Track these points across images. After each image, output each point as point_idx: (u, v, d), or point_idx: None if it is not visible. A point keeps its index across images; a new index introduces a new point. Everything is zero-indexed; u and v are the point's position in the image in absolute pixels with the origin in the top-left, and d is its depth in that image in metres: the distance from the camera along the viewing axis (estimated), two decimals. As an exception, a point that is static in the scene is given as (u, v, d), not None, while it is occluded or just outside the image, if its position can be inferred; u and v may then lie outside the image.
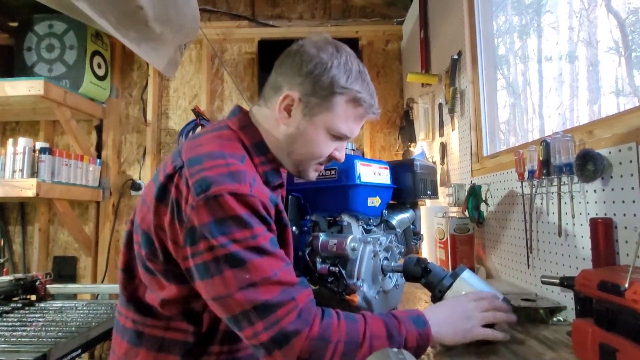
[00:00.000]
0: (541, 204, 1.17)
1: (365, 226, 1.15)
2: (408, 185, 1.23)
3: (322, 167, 0.91)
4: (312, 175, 0.89)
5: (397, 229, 1.17)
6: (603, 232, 0.88)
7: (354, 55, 0.85)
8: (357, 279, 0.96)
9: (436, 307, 0.82)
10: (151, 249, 0.74)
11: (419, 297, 1.34)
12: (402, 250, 1.15)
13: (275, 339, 0.65)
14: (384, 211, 1.19)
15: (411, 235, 1.24)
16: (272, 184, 0.84)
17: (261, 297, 0.66)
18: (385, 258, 1.05)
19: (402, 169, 1.24)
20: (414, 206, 1.31)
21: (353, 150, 1.23)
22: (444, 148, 2.09)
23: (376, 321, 0.72)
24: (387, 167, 1.20)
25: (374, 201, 1.12)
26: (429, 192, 1.29)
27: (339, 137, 0.84)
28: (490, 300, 0.81)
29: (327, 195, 1.09)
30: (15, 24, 2.75)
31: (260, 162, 0.82)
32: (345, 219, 1.09)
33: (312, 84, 0.79)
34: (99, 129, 3.00)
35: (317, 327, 0.68)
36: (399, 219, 1.20)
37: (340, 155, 0.88)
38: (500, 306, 0.82)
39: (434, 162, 2.15)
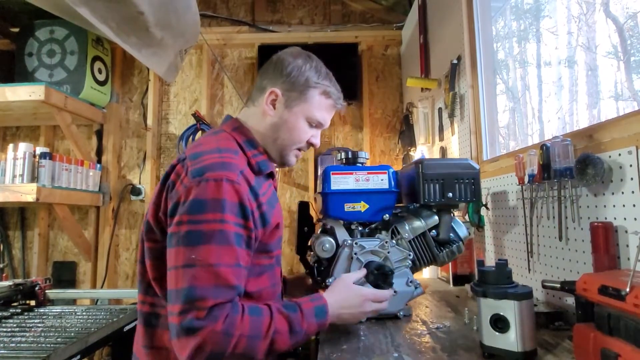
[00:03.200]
0: (541, 208, 1.17)
1: (361, 229, 1.19)
2: (414, 189, 1.18)
3: (301, 154, 1.05)
4: (292, 160, 1.03)
5: (405, 235, 1.16)
6: (603, 236, 0.88)
7: (321, 62, 1.03)
8: (330, 277, 1.10)
9: (343, 294, 0.95)
10: (151, 230, 0.86)
11: (419, 302, 1.34)
12: (411, 256, 1.14)
13: (184, 327, 0.73)
14: (385, 216, 1.18)
15: (432, 242, 1.17)
16: (265, 172, 0.96)
17: (194, 281, 0.75)
18: (375, 263, 1.11)
19: (409, 172, 1.22)
20: (442, 211, 1.19)
21: (367, 160, 1.29)
22: (443, 152, 2.09)
23: (281, 316, 0.81)
24: (386, 171, 1.20)
25: (356, 206, 1.17)
26: (449, 195, 1.14)
27: (315, 125, 1.00)
28: (382, 306, 0.99)
29: (320, 202, 1.22)
30: (16, 30, 2.76)
31: (253, 155, 0.95)
32: (329, 223, 1.18)
33: (292, 82, 0.97)
34: (100, 134, 3.00)
35: (222, 323, 0.74)
36: (411, 224, 1.18)
37: (317, 142, 1.03)
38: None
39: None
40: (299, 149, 1.02)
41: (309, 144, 1.03)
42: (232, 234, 0.78)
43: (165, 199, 0.83)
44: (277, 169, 1.15)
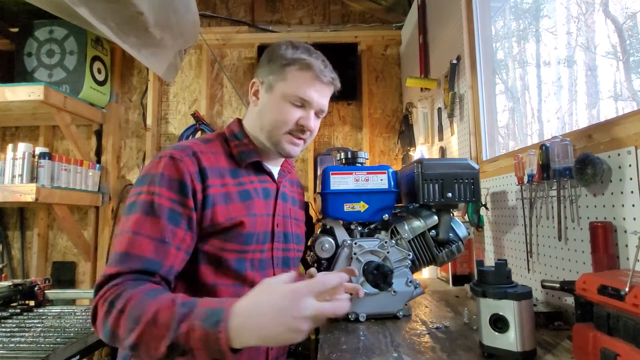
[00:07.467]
0: (541, 208, 1.17)
1: (360, 229, 1.20)
2: (413, 189, 1.17)
3: (298, 141, 0.96)
4: (287, 147, 0.96)
5: (405, 235, 1.16)
6: (603, 236, 0.88)
7: (306, 44, 0.98)
8: None
9: (264, 297, 0.65)
10: None
11: (419, 302, 1.34)
12: (411, 256, 1.14)
13: (96, 285, 0.75)
14: (385, 216, 1.19)
15: (431, 242, 1.17)
16: (246, 161, 0.95)
17: (115, 246, 0.78)
18: (374, 262, 1.11)
19: (409, 172, 1.22)
20: (442, 211, 1.18)
21: (366, 160, 1.27)
22: (443, 152, 2.09)
23: (168, 307, 0.66)
24: (385, 171, 1.20)
25: (356, 207, 1.17)
26: (449, 195, 1.13)
27: (298, 103, 0.93)
28: (335, 304, 0.65)
29: (320, 202, 1.21)
30: (15, 30, 2.76)
31: (235, 145, 0.96)
32: (329, 223, 1.18)
33: (269, 66, 0.95)
34: (99, 134, 3.00)
35: (112, 293, 0.72)
36: (410, 224, 1.18)
37: (307, 123, 0.94)
38: (345, 306, 0.66)
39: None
40: (291, 134, 0.95)
41: (300, 127, 0.94)
42: (165, 208, 0.80)
43: None
44: (288, 173, 1.09)
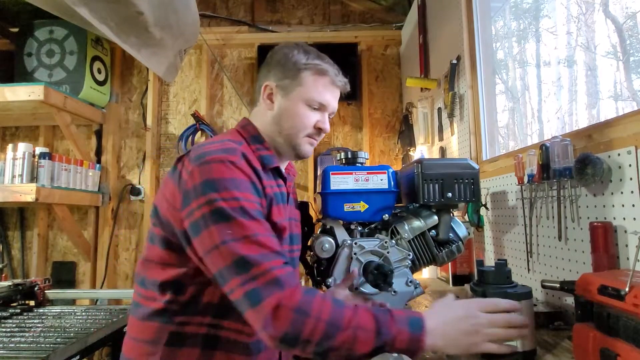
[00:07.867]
0: (541, 208, 1.17)
1: (360, 229, 1.19)
2: (413, 189, 1.16)
3: (314, 142, 1.00)
4: (307, 149, 0.99)
5: (405, 235, 1.16)
6: (603, 236, 0.88)
7: (314, 49, 1.00)
8: (329, 277, 1.08)
9: (445, 309, 0.77)
10: (156, 218, 0.86)
11: (419, 302, 1.34)
12: (411, 256, 1.14)
13: (248, 296, 0.69)
14: (385, 216, 1.19)
15: (431, 242, 1.16)
16: (268, 166, 0.94)
17: (240, 251, 0.72)
18: (375, 262, 1.10)
19: (409, 171, 1.22)
20: (442, 211, 1.17)
21: (366, 160, 1.27)
22: (443, 152, 2.09)
23: (366, 313, 0.71)
24: (385, 171, 1.20)
25: (356, 206, 1.17)
26: (449, 195, 1.13)
27: (316, 107, 0.97)
28: (508, 316, 0.74)
29: (320, 202, 1.21)
30: (15, 30, 2.76)
31: (257, 149, 0.95)
32: (329, 223, 1.17)
33: (282, 70, 0.96)
34: (99, 134, 3.00)
35: (297, 298, 0.69)
36: (410, 224, 1.18)
37: (325, 126, 0.99)
38: (516, 321, 0.74)
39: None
40: (310, 136, 0.98)
41: (318, 130, 0.98)
42: (253, 210, 0.78)
43: (173, 190, 0.82)
44: (294, 176, 1.11)
